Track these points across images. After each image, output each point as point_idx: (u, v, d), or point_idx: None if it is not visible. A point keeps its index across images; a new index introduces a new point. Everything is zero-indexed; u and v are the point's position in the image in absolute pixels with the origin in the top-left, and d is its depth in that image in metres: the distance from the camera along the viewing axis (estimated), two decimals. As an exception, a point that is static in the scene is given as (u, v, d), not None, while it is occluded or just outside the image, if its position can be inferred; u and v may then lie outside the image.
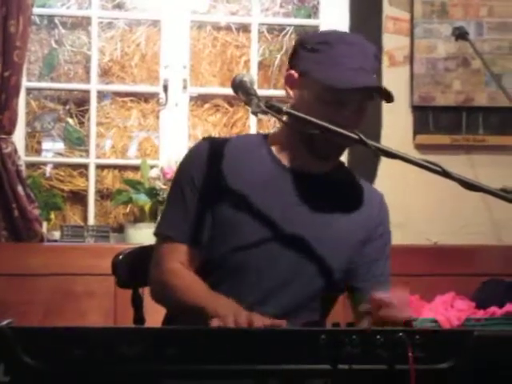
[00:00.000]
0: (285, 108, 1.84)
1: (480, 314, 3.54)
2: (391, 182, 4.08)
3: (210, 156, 2.11)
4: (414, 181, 3.90)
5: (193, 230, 2.07)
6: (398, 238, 4.05)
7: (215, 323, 1.68)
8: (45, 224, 4.01)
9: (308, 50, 2.09)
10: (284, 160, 2.14)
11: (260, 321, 1.66)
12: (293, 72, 2.11)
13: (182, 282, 2.01)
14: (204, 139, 2.19)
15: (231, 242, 2.06)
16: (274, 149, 2.15)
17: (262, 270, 2.05)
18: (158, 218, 2.13)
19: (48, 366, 1.41)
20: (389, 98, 2.02)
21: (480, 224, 4.12)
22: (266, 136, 2.23)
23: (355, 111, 2.04)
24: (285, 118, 1.90)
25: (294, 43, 2.22)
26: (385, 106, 4.14)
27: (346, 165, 2.36)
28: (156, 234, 2.15)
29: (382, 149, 1.76)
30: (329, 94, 2.01)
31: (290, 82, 2.12)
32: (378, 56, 2.14)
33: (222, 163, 2.10)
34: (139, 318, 2.36)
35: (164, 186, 3.93)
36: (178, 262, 2.05)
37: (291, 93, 2.11)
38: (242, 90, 1.91)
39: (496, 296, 3.64)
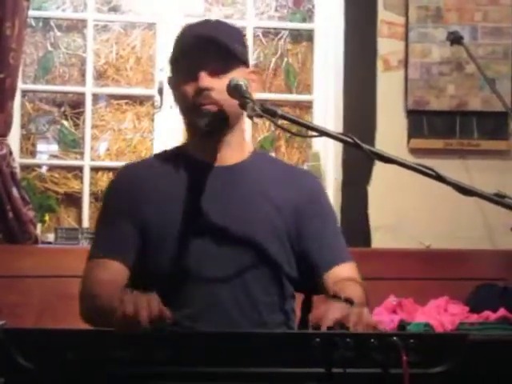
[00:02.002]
0: (280, 111, 1.84)
1: (473, 318, 3.55)
2: (385, 185, 4.09)
3: (129, 180, 2.16)
4: (408, 185, 3.91)
5: (120, 248, 2.08)
6: (391, 241, 4.12)
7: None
8: (39, 226, 4.01)
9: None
10: (199, 160, 2.14)
11: (147, 310, 1.59)
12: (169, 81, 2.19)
13: (107, 290, 1.97)
14: (122, 167, 2.27)
15: (165, 255, 2.05)
16: (189, 153, 2.17)
17: (202, 275, 2.04)
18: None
19: (41, 367, 1.41)
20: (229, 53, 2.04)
21: (474, 228, 4.13)
22: (179, 146, 2.26)
23: (212, 74, 2.04)
24: (280, 121, 1.91)
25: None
26: (379, 110, 4.16)
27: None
28: (88, 258, 2.14)
29: (377, 152, 1.77)
30: (178, 68, 2.08)
31: (170, 85, 2.19)
32: (223, 25, 2.15)
33: (140, 184, 2.14)
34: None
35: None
36: (106, 276, 2.04)
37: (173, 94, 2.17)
38: (237, 94, 1.92)
39: (489, 300, 3.65)
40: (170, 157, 2.20)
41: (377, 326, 1.64)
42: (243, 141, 2.20)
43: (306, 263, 2.14)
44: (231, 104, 1.99)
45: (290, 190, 2.17)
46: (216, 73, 2.05)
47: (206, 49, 2.03)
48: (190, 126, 2.13)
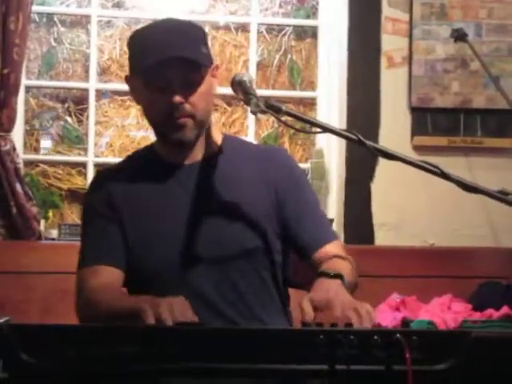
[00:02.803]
0: (284, 108, 1.84)
1: (477, 316, 3.55)
2: (389, 183, 4.09)
3: (103, 187, 2.16)
4: (412, 182, 3.91)
5: (109, 252, 2.08)
6: (395, 239, 4.12)
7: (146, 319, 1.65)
8: (42, 222, 4.01)
9: (128, 49, 2.12)
10: (170, 161, 2.15)
11: (182, 312, 1.64)
12: (126, 74, 2.16)
13: (107, 296, 1.98)
14: (98, 172, 2.31)
15: (146, 257, 2.07)
16: (160, 155, 2.17)
17: (185, 274, 2.05)
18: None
19: (46, 363, 1.42)
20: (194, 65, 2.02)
21: (477, 226, 4.13)
22: (151, 145, 2.25)
23: (183, 88, 2.03)
24: (284, 118, 1.91)
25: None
26: (383, 107, 4.16)
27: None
28: (77, 269, 2.14)
29: (380, 149, 1.77)
30: (146, 82, 2.04)
31: (128, 86, 2.16)
32: (188, 29, 2.10)
33: (114, 189, 2.14)
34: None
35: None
36: (100, 282, 2.04)
37: (133, 96, 2.17)
38: (241, 90, 1.92)
39: (493, 298, 3.65)
40: (141, 159, 2.21)
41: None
42: (211, 135, 2.18)
43: (294, 248, 2.15)
44: (203, 112, 2.05)
45: (265, 170, 2.16)
46: (188, 86, 2.04)
47: (175, 65, 2.01)
48: (162, 136, 2.12)
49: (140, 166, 2.19)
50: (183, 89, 2.03)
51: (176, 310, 1.65)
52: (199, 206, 2.09)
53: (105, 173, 2.28)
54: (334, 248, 2.10)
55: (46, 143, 4.34)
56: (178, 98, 2.01)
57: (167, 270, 2.05)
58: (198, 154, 2.15)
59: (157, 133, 2.14)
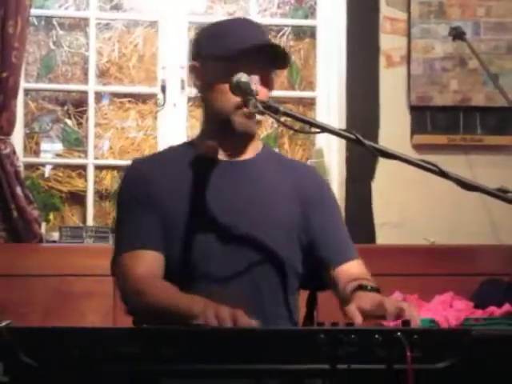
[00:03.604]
0: (282, 108, 1.84)
1: (478, 313, 3.55)
2: (389, 181, 4.09)
3: (141, 174, 2.16)
4: (412, 181, 3.91)
5: (150, 237, 2.08)
6: (396, 237, 4.11)
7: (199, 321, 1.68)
8: (43, 225, 4.01)
9: (203, 37, 2.17)
10: (212, 157, 2.15)
11: (243, 318, 1.67)
12: (193, 62, 2.17)
13: (153, 288, 1.99)
14: (134, 160, 2.28)
15: (173, 250, 2.07)
16: (200, 148, 2.18)
17: (208, 272, 2.06)
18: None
19: (47, 366, 1.42)
20: (284, 61, 2.09)
21: (478, 224, 4.13)
22: (191, 141, 2.28)
23: (262, 82, 2.05)
24: (283, 118, 1.91)
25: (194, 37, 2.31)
26: (382, 106, 4.16)
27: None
28: (114, 257, 2.13)
29: (380, 149, 1.77)
30: (228, 66, 2.04)
31: (195, 73, 2.17)
32: (265, 30, 2.19)
33: (151, 178, 2.14)
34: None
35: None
36: (144, 269, 2.04)
37: (198, 81, 2.16)
38: (239, 91, 1.92)
39: (494, 296, 3.65)
40: (179, 152, 2.21)
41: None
42: (257, 137, 2.21)
43: (313, 257, 2.17)
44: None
45: (296, 185, 2.19)
46: (266, 82, 2.08)
47: (264, 57, 2.06)
48: (224, 124, 2.09)
49: (178, 158, 2.18)
50: (262, 82, 2.06)
51: (240, 319, 1.66)
52: (229, 207, 2.10)
53: (141, 161, 2.27)
54: (356, 267, 2.14)
55: (55, 146, 4.36)
56: (261, 95, 1.98)
57: (189, 266, 2.06)
58: (242, 153, 2.17)
59: (218, 121, 2.11)
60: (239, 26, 2.13)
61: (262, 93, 2.01)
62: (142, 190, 2.13)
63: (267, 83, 2.09)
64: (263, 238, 2.09)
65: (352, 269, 2.12)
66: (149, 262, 2.06)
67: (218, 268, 2.06)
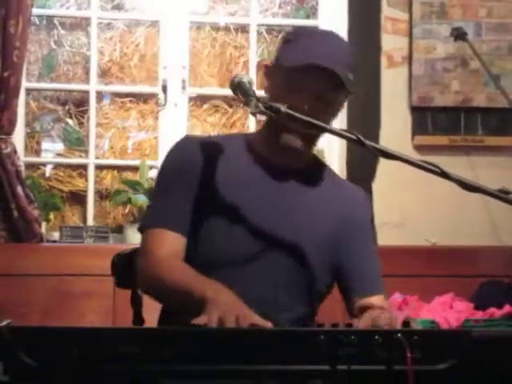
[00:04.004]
0: (283, 108, 1.84)
1: (479, 315, 3.55)
2: (390, 183, 4.09)
3: (197, 153, 2.12)
4: (413, 182, 3.90)
5: (179, 219, 2.07)
6: (396, 238, 4.11)
7: (201, 321, 1.66)
8: (44, 224, 4.01)
9: (285, 42, 2.15)
10: (264, 158, 2.14)
11: (246, 321, 1.66)
12: (267, 62, 2.18)
13: (172, 268, 2.00)
14: (188, 137, 2.24)
15: (205, 242, 2.07)
16: (254, 147, 2.17)
17: (236, 268, 2.05)
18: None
19: (47, 365, 1.42)
20: (343, 85, 2.03)
21: (479, 225, 4.13)
22: (246, 135, 2.27)
23: (316, 99, 2.03)
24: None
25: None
26: (383, 106, 4.16)
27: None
28: (141, 227, 2.13)
29: (381, 149, 1.77)
30: (288, 75, 2.03)
31: (265, 73, 2.17)
32: (350, 53, 2.12)
33: (208, 161, 2.11)
34: (138, 318, 2.36)
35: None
36: (166, 251, 2.04)
37: (266, 83, 2.15)
38: (240, 91, 1.91)
39: (495, 297, 3.64)
40: (236, 144, 2.18)
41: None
42: (309, 150, 2.19)
43: (340, 281, 2.16)
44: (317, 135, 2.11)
45: (340, 207, 2.18)
46: (323, 100, 2.04)
47: (326, 79, 2.02)
48: (277, 133, 2.07)
49: (231, 150, 2.15)
50: (318, 100, 2.03)
51: (242, 322, 1.65)
52: (271, 214, 2.09)
53: (195, 141, 2.20)
54: (379, 301, 2.10)
55: (56, 146, 4.36)
56: (311, 106, 1.99)
57: (233, 256, 2.06)
58: (294, 161, 2.15)
59: (274, 127, 2.08)
60: (315, 43, 2.08)
61: (314, 110, 1.99)
62: (187, 170, 2.10)
63: (327, 103, 2.05)
64: (298, 253, 2.08)
65: (372, 303, 2.04)
66: (171, 243, 2.05)
67: (245, 268, 2.05)
